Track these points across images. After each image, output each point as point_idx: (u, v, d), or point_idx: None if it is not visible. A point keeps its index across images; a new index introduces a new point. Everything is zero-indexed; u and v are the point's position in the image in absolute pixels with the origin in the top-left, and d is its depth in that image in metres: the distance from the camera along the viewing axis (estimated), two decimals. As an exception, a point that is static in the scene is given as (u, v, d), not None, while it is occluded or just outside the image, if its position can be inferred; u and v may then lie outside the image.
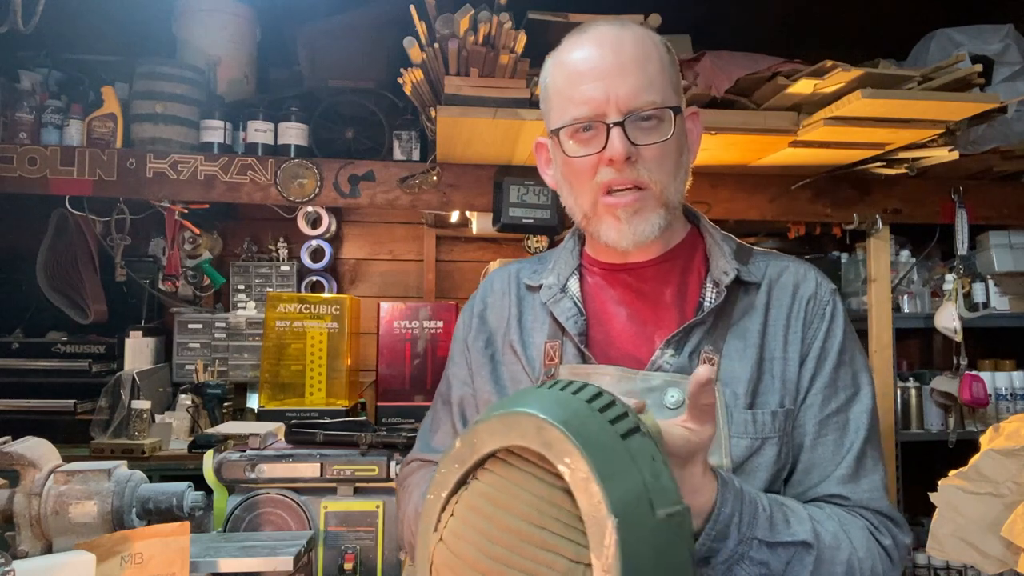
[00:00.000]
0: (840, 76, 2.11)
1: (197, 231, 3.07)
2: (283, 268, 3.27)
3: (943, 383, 3.06)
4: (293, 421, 1.92)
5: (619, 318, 1.03)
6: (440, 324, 2.95)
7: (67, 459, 1.29)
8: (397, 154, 2.85)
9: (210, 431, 2.61)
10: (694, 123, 1.04)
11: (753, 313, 1.00)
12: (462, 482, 0.63)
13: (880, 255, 3.01)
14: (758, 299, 1.01)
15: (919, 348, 3.62)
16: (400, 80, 2.30)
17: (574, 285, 1.06)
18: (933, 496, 1.81)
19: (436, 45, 2.06)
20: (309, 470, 1.70)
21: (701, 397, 0.74)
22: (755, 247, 1.09)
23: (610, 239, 0.97)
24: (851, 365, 1.00)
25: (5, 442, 1.25)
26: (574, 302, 1.04)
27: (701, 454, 0.77)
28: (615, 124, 0.92)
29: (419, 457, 1.16)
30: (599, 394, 0.60)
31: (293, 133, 2.80)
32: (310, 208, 3.23)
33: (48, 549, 1.21)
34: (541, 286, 1.08)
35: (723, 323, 0.99)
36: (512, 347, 1.06)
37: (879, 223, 2.96)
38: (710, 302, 1.00)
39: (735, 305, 1.00)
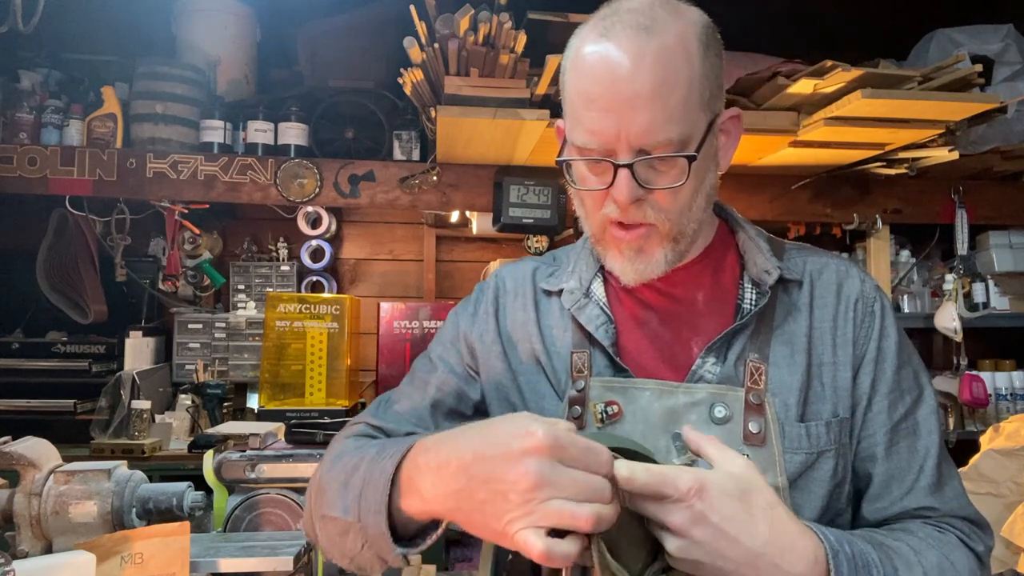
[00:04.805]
0: (840, 76, 2.11)
1: (197, 231, 3.06)
2: (283, 268, 3.27)
3: (943, 383, 3.06)
4: (293, 421, 1.91)
5: (650, 325, 0.94)
6: (440, 324, 2.94)
7: (67, 459, 1.29)
8: (397, 154, 2.85)
9: (210, 431, 2.60)
10: (734, 125, 0.93)
11: (797, 315, 0.92)
12: None
13: (880, 255, 3.02)
14: (800, 299, 0.93)
15: (919, 348, 3.53)
16: (400, 80, 2.30)
17: (599, 289, 0.98)
18: (933, 496, 1.81)
19: (436, 45, 2.06)
20: (309, 470, 1.69)
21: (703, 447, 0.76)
22: (786, 241, 1.01)
23: (614, 271, 0.91)
24: (910, 364, 0.94)
25: (5, 442, 1.25)
26: (601, 308, 0.96)
27: (757, 487, 0.73)
28: (623, 165, 0.82)
29: (368, 420, 1.03)
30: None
31: (293, 133, 2.80)
32: (310, 208, 3.23)
33: (48, 549, 1.21)
34: (562, 291, 0.99)
35: (766, 327, 0.91)
36: (536, 356, 0.98)
37: (879, 223, 2.96)
38: (751, 304, 0.92)
39: (776, 306, 0.92)
